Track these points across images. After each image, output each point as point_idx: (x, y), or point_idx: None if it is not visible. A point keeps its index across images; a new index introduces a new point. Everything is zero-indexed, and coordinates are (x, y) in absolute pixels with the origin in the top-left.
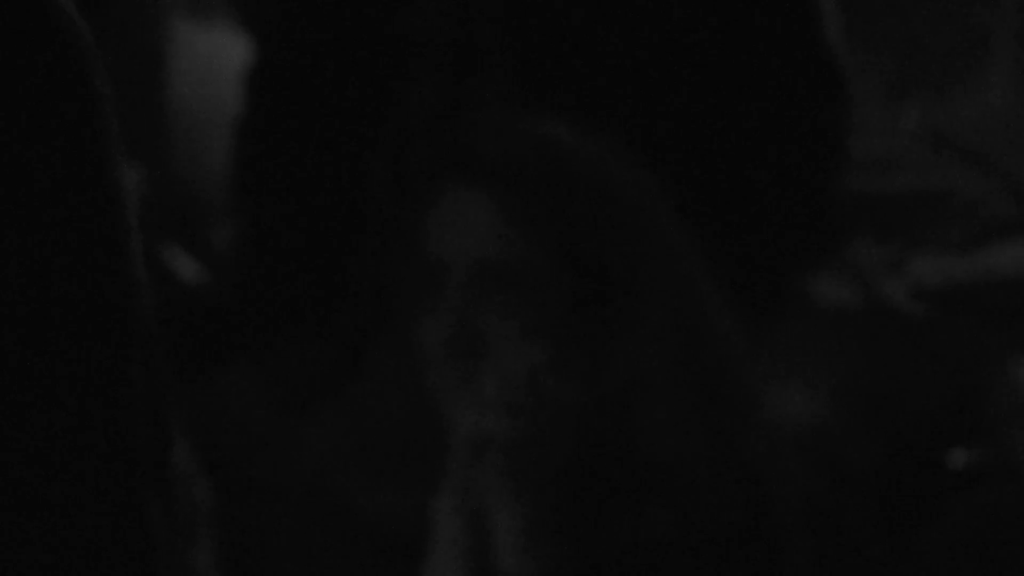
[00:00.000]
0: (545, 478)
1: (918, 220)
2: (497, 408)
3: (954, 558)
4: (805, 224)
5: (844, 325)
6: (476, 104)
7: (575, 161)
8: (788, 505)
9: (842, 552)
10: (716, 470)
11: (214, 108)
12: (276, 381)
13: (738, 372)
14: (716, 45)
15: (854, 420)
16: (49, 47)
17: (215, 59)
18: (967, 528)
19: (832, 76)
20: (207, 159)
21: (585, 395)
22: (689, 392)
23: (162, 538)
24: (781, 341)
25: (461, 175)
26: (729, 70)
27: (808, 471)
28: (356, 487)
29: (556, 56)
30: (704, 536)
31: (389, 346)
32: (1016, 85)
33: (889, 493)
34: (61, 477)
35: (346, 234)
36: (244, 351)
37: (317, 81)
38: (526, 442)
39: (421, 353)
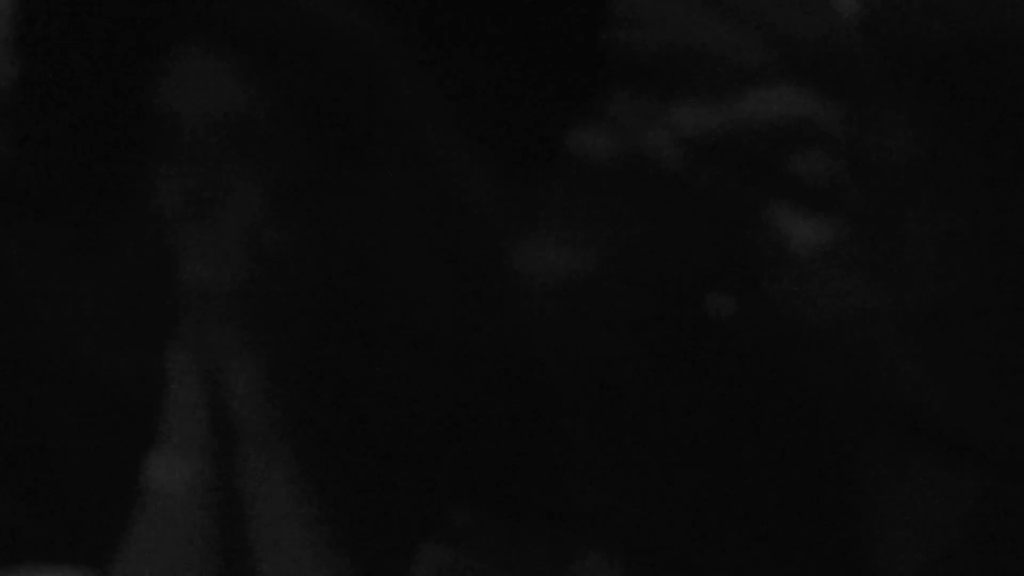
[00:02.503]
0: (282, 329)
1: (674, 71)
2: (232, 261)
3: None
4: (562, 78)
5: (605, 178)
6: None
7: (318, 19)
8: (555, 359)
9: (613, 401)
10: (466, 323)
11: None
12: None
13: (490, 228)
14: None
15: (620, 272)
16: None
17: None
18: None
19: None
20: None
21: (322, 249)
22: (435, 246)
23: None
24: (542, 196)
25: (200, 31)
26: None
27: (578, 325)
28: (95, 348)
29: None
30: (455, 387)
31: (125, 204)
32: None
33: (658, 342)
34: None
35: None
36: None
37: None
38: (262, 294)
39: (157, 209)
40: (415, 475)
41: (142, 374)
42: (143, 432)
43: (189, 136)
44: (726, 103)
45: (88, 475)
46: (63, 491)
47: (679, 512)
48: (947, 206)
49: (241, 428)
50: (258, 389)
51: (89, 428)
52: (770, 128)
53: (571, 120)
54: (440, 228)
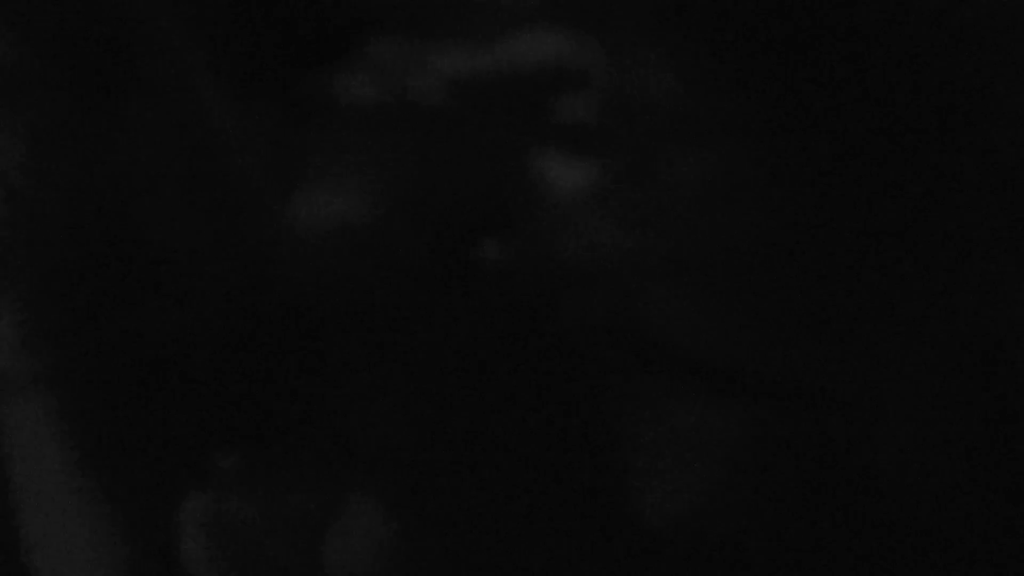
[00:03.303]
0: (38, 276)
1: (437, 14)
2: None
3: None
4: (317, 23)
5: (372, 123)
6: None
7: None
8: (325, 303)
9: (382, 345)
10: (223, 266)
11: None
12: None
13: (250, 170)
14: None
15: (391, 217)
16: None
17: None
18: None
19: None
20: None
21: (77, 193)
22: (190, 187)
23: None
24: (308, 141)
25: None
26: None
27: (350, 271)
28: None
29: None
30: (218, 331)
31: None
32: None
33: (428, 286)
34: None
35: None
36: None
37: None
38: (18, 240)
39: None
40: (178, 422)
41: None
42: None
43: None
44: (489, 46)
45: None
46: None
47: (447, 454)
48: (706, 147)
49: (1, 377)
50: (17, 338)
51: None
52: (533, 70)
53: (335, 65)
54: (201, 172)
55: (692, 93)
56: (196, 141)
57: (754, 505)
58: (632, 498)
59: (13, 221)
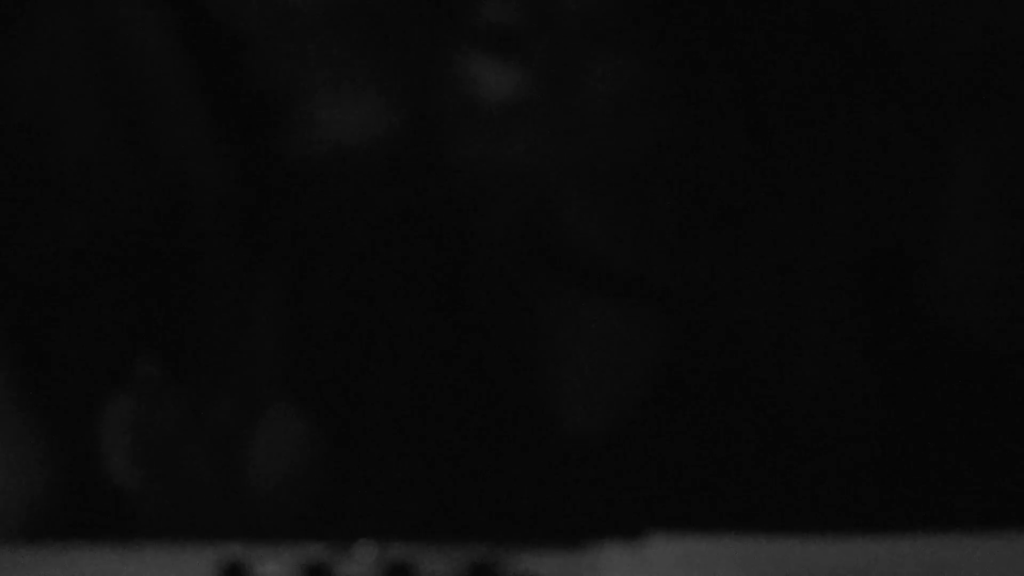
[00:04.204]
0: None
1: None
2: None
3: None
4: None
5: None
6: None
7: None
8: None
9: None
10: (134, 165)
11: None
12: None
13: (158, 81)
14: None
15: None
16: None
17: None
18: None
19: None
20: None
21: None
22: (96, 96)
23: None
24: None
25: None
26: None
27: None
28: None
29: None
30: (123, 239)
31: None
32: None
33: (350, 193)
34: None
35: None
36: None
37: None
38: None
39: None
40: (99, 331)
41: None
42: None
43: None
44: None
45: None
46: None
47: (367, 362)
48: (624, 56)
49: None
50: None
51: None
52: None
53: None
54: (107, 82)
55: (614, 6)
56: (97, 54)
57: (667, 411)
58: (551, 403)
59: None
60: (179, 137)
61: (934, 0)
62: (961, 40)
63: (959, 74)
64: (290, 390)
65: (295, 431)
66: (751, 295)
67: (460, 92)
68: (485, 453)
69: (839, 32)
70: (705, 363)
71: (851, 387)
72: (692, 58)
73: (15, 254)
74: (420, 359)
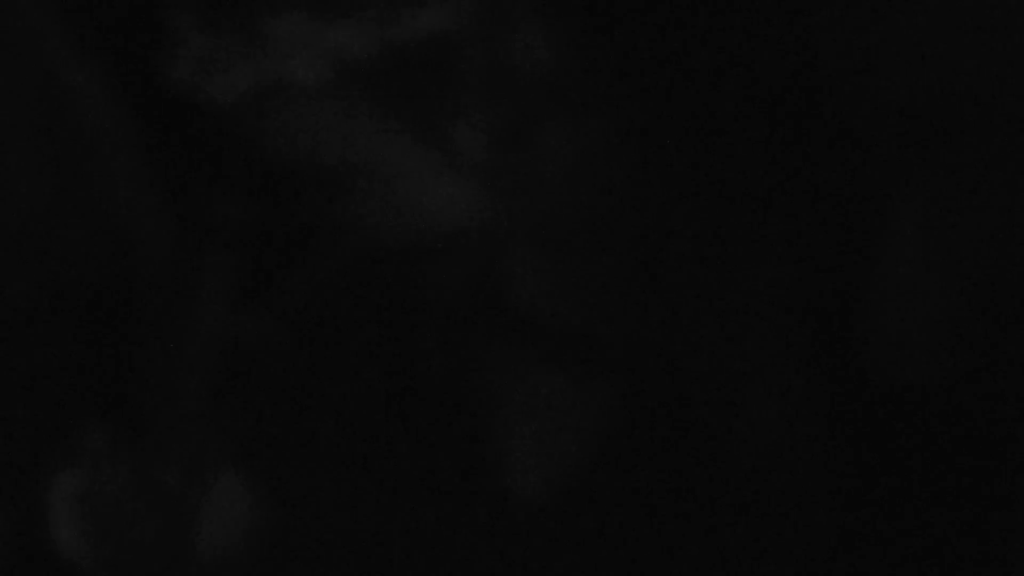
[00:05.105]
0: None
1: None
2: None
3: None
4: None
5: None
6: None
7: None
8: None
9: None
10: (72, 222)
11: None
12: None
13: (96, 121)
14: None
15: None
16: None
17: None
18: None
19: None
20: None
21: None
22: (40, 143)
23: None
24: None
25: None
26: None
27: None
28: None
29: None
30: (67, 290)
31: None
32: None
33: (290, 252)
34: None
35: None
36: None
37: None
38: None
39: None
40: (42, 401)
41: None
42: None
43: None
44: (382, 26)
45: None
46: None
47: (312, 432)
48: (580, 120)
49: None
50: None
51: None
52: (419, 49)
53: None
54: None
55: (569, 68)
56: (43, 94)
57: (618, 477)
58: (500, 469)
59: None
60: (121, 198)
61: (873, 52)
62: (902, 89)
63: (900, 123)
64: (239, 464)
65: (245, 506)
66: (703, 357)
67: (409, 151)
68: (434, 522)
69: (783, 95)
70: (657, 428)
71: (807, 452)
72: (643, 119)
73: None
74: (368, 427)
